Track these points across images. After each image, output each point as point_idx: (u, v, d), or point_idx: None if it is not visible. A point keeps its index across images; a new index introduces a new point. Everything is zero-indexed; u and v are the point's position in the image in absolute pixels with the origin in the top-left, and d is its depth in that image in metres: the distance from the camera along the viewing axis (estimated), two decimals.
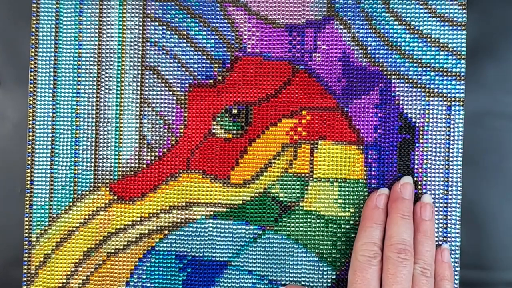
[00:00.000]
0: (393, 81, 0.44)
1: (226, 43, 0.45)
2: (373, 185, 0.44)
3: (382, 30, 0.44)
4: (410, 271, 0.39)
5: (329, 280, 0.44)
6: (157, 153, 0.45)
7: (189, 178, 0.45)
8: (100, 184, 0.45)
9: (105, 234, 0.45)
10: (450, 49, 0.44)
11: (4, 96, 0.45)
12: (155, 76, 0.45)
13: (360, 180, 0.44)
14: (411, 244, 0.40)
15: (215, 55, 0.45)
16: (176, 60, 0.45)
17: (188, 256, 0.45)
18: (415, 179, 0.44)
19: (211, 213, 0.45)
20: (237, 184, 0.44)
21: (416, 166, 0.44)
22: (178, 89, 0.45)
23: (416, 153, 0.44)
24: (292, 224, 0.44)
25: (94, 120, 0.45)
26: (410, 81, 0.44)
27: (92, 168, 0.45)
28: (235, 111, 0.45)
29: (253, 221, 0.44)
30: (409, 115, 0.44)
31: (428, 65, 0.44)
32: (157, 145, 0.45)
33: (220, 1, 0.45)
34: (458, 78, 0.44)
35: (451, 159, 0.44)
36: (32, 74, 0.45)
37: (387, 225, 0.41)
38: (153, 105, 0.45)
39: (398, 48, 0.44)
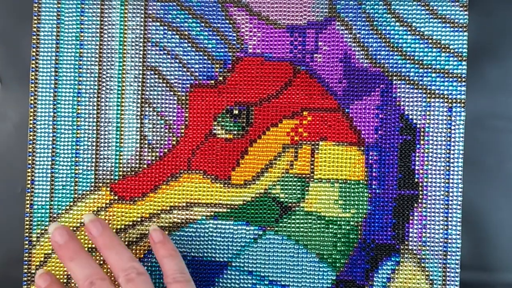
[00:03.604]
0: (394, 82, 0.44)
1: (227, 43, 0.45)
2: (373, 186, 0.44)
3: (383, 31, 0.44)
4: None
5: (329, 281, 0.44)
6: (158, 153, 0.45)
7: (190, 178, 0.45)
8: (100, 184, 0.45)
9: None
10: (451, 51, 0.44)
11: (5, 95, 0.45)
12: (156, 76, 0.45)
13: (361, 181, 0.44)
14: (95, 273, 0.38)
15: (216, 56, 0.45)
16: (177, 60, 0.45)
17: (188, 257, 0.45)
18: (416, 180, 0.44)
19: (212, 213, 0.45)
20: (238, 185, 0.44)
21: (417, 167, 0.44)
22: (179, 89, 0.45)
23: (417, 154, 0.44)
24: (293, 225, 0.44)
25: (95, 120, 0.45)
26: (411, 82, 0.44)
27: (93, 168, 0.45)
28: (236, 112, 0.45)
29: (254, 221, 0.44)
30: (410, 116, 0.44)
31: (429, 66, 0.44)
32: (158, 145, 0.45)
33: (222, 2, 0.45)
34: (459, 79, 0.44)
35: (452, 160, 0.44)
36: (33, 73, 0.45)
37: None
38: (154, 105, 0.45)
39: (400, 49, 0.44)
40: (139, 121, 0.45)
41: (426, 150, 0.44)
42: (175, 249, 0.41)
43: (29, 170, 0.45)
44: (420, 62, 0.44)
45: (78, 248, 0.39)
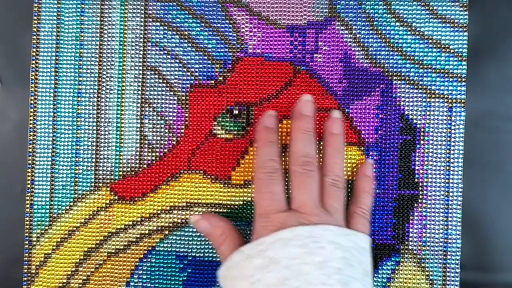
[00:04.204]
0: (394, 82, 0.44)
1: (227, 43, 0.45)
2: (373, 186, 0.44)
3: (383, 31, 0.44)
4: (317, 181, 0.40)
5: None
6: (158, 153, 0.45)
7: (190, 178, 0.45)
8: (100, 184, 0.45)
9: (106, 234, 0.45)
10: (452, 51, 0.44)
11: (5, 95, 0.45)
12: (156, 76, 0.45)
13: None
14: (314, 157, 0.41)
15: (216, 56, 0.45)
16: (177, 61, 0.45)
17: (188, 257, 0.45)
18: (416, 180, 0.44)
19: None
20: (238, 185, 0.44)
21: (417, 168, 0.44)
22: (179, 89, 0.45)
23: (417, 154, 0.44)
24: None
25: (95, 120, 0.45)
26: (411, 82, 0.44)
27: (93, 168, 0.45)
28: (236, 112, 0.45)
29: None
30: (410, 116, 0.44)
31: (429, 66, 0.44)
32: (158, 145, 0.45)
33: (222, 2, 0.45)
34: (459, 79, 0.44)
35: (452, 160, 0.44)
36: (33, 73, 0.45)
37: (290, 144, 0.42)
38: (154, 105, 0.45)
39: (400, 49, 0.44)
40: (139, 121, 0.45)
41: (426, 150, 0.44)
42: (373, 189, 0.43)
43: (29, 170, 0.45)
44: (420, 62, 0.44)
45: (310, 128, 0.41)
